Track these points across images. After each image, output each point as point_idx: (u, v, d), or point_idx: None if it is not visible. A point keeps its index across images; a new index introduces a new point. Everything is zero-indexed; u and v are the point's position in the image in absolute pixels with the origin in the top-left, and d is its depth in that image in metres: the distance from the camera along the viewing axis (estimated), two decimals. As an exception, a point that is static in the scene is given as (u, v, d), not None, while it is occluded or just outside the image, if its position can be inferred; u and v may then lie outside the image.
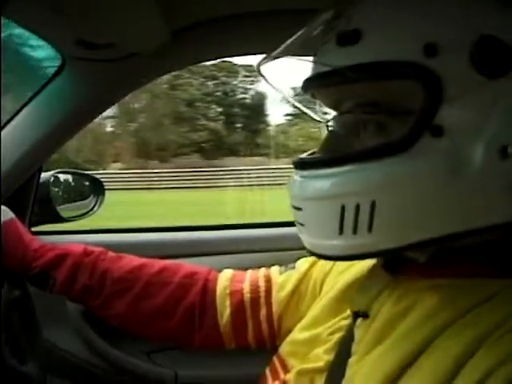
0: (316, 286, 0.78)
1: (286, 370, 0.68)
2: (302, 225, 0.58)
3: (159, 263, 0.90)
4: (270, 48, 0.61)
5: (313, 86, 0.61)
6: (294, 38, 0.58)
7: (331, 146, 0.60)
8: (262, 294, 0.83)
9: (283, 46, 0.58)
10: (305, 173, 0.57)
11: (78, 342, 1.14)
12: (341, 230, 0.53)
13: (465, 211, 0.51)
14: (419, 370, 0.50)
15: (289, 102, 0.75)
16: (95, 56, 0.93)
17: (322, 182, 0.54)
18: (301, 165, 0.58)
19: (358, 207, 0.51)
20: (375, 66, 0.52)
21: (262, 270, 0.88)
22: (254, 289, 0.84)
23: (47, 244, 0.88)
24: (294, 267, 0.84)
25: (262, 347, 0.84)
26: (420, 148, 0.50)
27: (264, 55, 0.60)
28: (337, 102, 0.62)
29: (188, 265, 0.91)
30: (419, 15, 0.52)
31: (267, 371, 0.73)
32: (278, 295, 0.81)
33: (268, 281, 0.84)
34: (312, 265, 0.81)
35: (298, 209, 0.57)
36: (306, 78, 0.60)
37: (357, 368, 0.57)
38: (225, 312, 0.83)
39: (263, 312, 0.82)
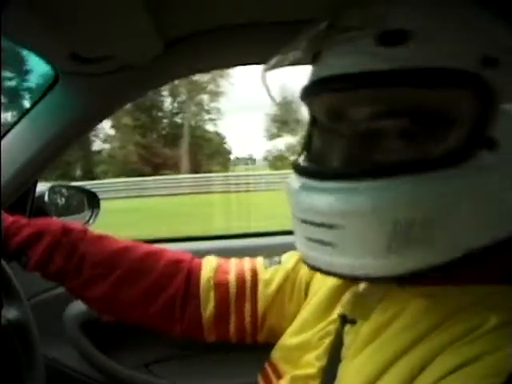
0: (301, 285, 0.77)
1: (278, 375, 0.69)
2: (329, 245, 0.52)
3: (142, 248, 0.85)
4: (265, 59, 0.61)
5: (335, 89, 0.55)
6: (294, 47, 0.58)
7: (351, 155, 0.54)
8: (248, 289, 0.81)
9: (282, 53, 0.59)
10: (329, 184, 0.51)
11: (75, 355, 1.14)
12: (389, 247, 0.49)
13: (503, 222, 0.51)
14: (391, 375, 0.51)
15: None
16: (88, 70, 0.93)
17: (366, 195, 0.49)
18: (321, 174, 0.53)
19: (411, 221, 0.48)
20: (426, 72, 0.49)
21: (248, 262, 0.85)
22: (240, 283, 0.82)
23: (22, 219, 0.83)
24: (279, 262, 0.83)
25: (241, 341, 0.83)
26: (476, 160, 0.49)
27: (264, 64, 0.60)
28: (346, 108, 0.56)
29: (171, 251, 0.87)
30: (476, 24, 0.51)
31: (259, 378, 0.73)
32: (264, 291, 0.80)
33: (254, 275, 0.82)
34: (298, 261, 0.80)
35: (328, 226, 0.51)
36: (315, 80, 0.56)
37: (344, 373, 0.58)
38: (208, 304, 0.81)
39: (247, 307, 0.80)
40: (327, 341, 0.64)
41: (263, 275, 0.82)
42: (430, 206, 0.48)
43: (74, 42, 0.82)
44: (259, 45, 0.94)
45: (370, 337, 0.57)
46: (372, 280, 0.55)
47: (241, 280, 0.82)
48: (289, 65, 0.65)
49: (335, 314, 0.64)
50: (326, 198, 0.51)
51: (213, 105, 20.99)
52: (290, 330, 0.73)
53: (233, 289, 0.81)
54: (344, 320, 0.62)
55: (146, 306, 0.82)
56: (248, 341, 0.82)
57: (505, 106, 0.49)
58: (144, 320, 0.84)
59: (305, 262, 0.57)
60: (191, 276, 0.83)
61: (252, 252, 1.30)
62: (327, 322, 0.66)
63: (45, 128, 1.00)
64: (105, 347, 1.13)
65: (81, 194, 1.31)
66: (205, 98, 21.04)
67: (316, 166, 0.60)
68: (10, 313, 0.79)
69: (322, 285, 0.72)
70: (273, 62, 0.61)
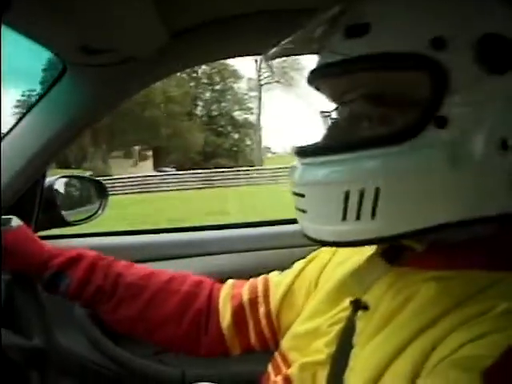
0: (311, 283, 0.79)
1: (288, 364, 0.69)
2: (303, 211, 0.59)
3: (167, 273, 0.92)
4: (269, 49, 0.62)
5: (319, 77, 0.62)
6: (299, 33, 0.59)
7: (334, 134, 0.61)
8: (260, 294, 0.85)
9: (288, 40, 0.60)
10: (307, 160, 0.58)
11: (85, 343, 1.15)
12: (344, 216, 0.54)
13: (464, 201, 0.52)
14: (403, 358, 0.52)
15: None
16: (96, 61, 0.93)
17: (327, 168, 0.55)
18: (303, 152, 0.59)
19: (362, 193, 0.52)
20: (383, 57, 0.54)
21: (262, 276, 0.90)
22: (252, 290, 0.86)
23: (59, 248, 0.90)
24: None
25: (265, 348, 0.85)
26: (424, 138, 0.51)
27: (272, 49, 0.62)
28: (341, 93, 0.63)
29: (194, 276, 0.93)
30: (426, 9, 0.54)
31: (269, 367, 0.74)
32: (275, 293, 0.83)
33: (266, 282, 0.87)
34: (307, 263, 0.83)
35: (300, 195, 0.58)
36: (311, 69, 0.61)
37: (357, 358, 0.58)
38: (226, 315, 0.85)
39: (262, 310, 0.83)
40: (337, 327, 0.64)
41: (274, 279, 0.86)
42: (380, 180, 0.52)
43: (82, 34, 0.82)
44: (265, 34, 0.94)
45: (382, 322, 0.58)
46: (330, 244, 0.60)
47: (253, 287, 0.87)
48: (294, 54, 0.68)
49: (347, 302, 0.65)
50: (300, 171, 0.59)
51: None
52: (299, 318, 0.74)
53: (246, 296, 0.85)
54: (357, 306, 0.63)
55: (174, 326, 0.87)
56: (272, 346, 0.84)
57: (456, 85, 0.51)
58: (172, 340, 0.88)
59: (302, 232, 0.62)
60: (212, 294, 0.88)
61: (260, 241, 1.32)
62: (338, 309, 0.66)
63: (53, 119, 1.01)
64: (114, 336, 1.14)
65: (90, 184, 1.32)
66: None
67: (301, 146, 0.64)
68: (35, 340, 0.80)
69: (332, 275, 0.73)
70: (277, 50, 0.62)
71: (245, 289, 0.87)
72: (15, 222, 0.89)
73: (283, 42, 0.61)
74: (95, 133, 18.00)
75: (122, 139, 19.75)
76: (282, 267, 0.89)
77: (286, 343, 0.74)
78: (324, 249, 0.81)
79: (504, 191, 0.53)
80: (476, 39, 0.51)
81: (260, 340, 0.84)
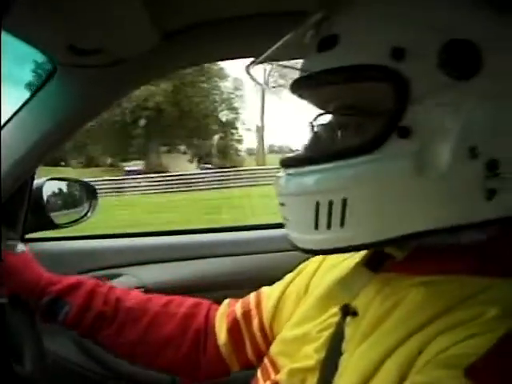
0: (301, 290, 0.79)
1: (277, 369, 0.69)
2: (286, 220, 0.61)
3: (165, 297, 0.93)
4: (261, 51, 0.62)
5: (297, 89, 0.63)
6: (280, 42, 0.60)
7: (314, 145, 0.63)
8: (253, 307, 0.85)
9: (271, 50, 0.61)
10: (289, 170, 0.60)
11: (74, 347, 1.14)
12: (316, 225, 0.55)
13: (434, 210, 0.52)
14: (390, 363, 0.53)
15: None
16: (85, 62, 0.93)
17: (301, 179, 0.57)
18: (285, 163, 0.61)
19: (331, 203, 0.54)
20: (347, 70, 0.54)
21: (254, 292, 0.90)
22: (245, 304, 0.87)
23: (58, 276, 0.90)
24: None
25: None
26: (387, 148, 0.52)
27: (252, 59, 0.63)
28: (322, 102, 0.65)
29: (191, 298, 0.93)
30: (387, 20, 0.55)
31: (258, 372, 0.74)
32: (267, 304, 0.83)
33: (258, 296, 0.87)
34: (297, 274, 0.83)
35: (282, 204, 0.61)
36: (292, 80, 0.63)
37: (346, 364, 0.58)
38: (222, 332, 0.85)
39: (255, 322, 0.84)
40: (327, 333, 0.64)
41: (266, 291, 0.87)
42: (347, 190, 0.53)
43: (71, 34, 0.82)
44: (257, 37, 0.94)
45: (370, 328, 0.58)
46: (306, 251, 0.61)
47: (246, 302, 0.88)
48: (285, 59, 0.69)
49: (336, 308, 0.65)
50: (282, 181, 0.61)
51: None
52: (288, 323, 0.74)
53: (239, 310, 0.86)
54: (346, 312, 0.63)
55: (175, 348, 0.87)
56: None
57: (419, 94, 0.51)
58: (174, 361, 0.88)
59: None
60: (209, 314, 0.89)
61: (255, 244, 1.32)
62: (328, 314, 0.66)
63: (43, 119, 1.01)
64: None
65: (79, 186, 1.30)
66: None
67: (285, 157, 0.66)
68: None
69: (322, 281, 0.73)
70: (264, 55, 0.63)
71: (238, 305, 0.88)
72: (20, 247, 0.91)
73: (273, 47, 0.61)
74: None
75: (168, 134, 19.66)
76: (278, 271, 0.89)
77: (275, 348, 0.73)
78: (314, 258, 0.81)
79: (478, 199, 0.52)
80: (440, 46, 0.51)
81: (257, 354, 0.83)
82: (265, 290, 0.88)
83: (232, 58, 1.06)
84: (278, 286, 0.84)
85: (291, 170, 0.60)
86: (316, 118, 0.65)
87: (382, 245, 0.56)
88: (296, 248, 0.61)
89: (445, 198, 0.52)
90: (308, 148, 0.63)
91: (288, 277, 0.85)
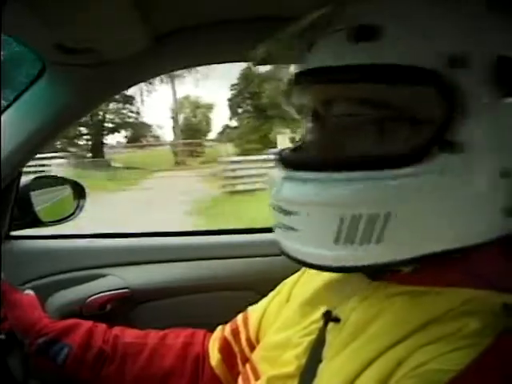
0: (282, 300, 0.79)
1: (257, 375, 0.68)
2: (291, 229, 0.54)
3: (161, 331, 0.93)
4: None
5: (312, 79, 0.56)
6: (286, 31, 0.57)
7: (327, 146, 0.56)
8: (240, 323, 0.85)
9: (273, 39, 0.58)
10: (302, 174, 0.53)
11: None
12: (348, 240, 0.50)
13: (466, 227, 0.51)
14: (369, 373, 0.52)
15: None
16: (74, 61, 0.92)
17: (329, 186, 0.50)
18: (294, 164, 0.55)
19: (370, 217, 0.49)
20: (396, 69, 0.49)
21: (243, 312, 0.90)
22: (234, 322, 0.87)
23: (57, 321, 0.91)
24: None
25: None
26: (435, 161, 0.48)
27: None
28: (332, 100, 0.57)
29: (185, 330, 0.93)
30: (449, 21, 0.51)
31: (239, 379, 0.73)
32: (252, 319, 0.84)
33: (245, 314, 0.87)
34: (282, 287, 0.83)
35: (290, 213, 0.53)
36: (303, 70, 0.56)
37: (325, 371, 0.57)
38: (214, 353, 0.85)
39: (243, 337, 0.83)
40: (308, 339, 0.63)
41: (252, 308, 0.87)
42: (390, 204, 0.49)
43: (60, 33, 0.81)
44: (249, 41, 0.93)
45: (351, 336, 0.57)
46: (322, 269, 0.55)
47: (234, 321, 0.88)
48: (278, 62, 0.67)
49: (319, 314, 0.64)
50: (292, 186, 0.53)
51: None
52: (271, 329, 0.73)
53: (228, 329, 0.86)
54: (328, 318, 0.61)
55: (177, 377, 0.86)
56: None
57: (469, 107, 0.48)
58: None
59: (280, 250, 0.58)
60: (205, 341, 0.89)
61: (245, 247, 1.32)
62: (310, 320, 0.65)
63: (31, 118, 1.00)
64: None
65: (66, 184, 1.30)
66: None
67: (292, 156, 0.60)
68: None
69: (306, 287, 0.72)
70: (259, 55, 0.62)
71: (227, 326, 0.88)
72: (28, 291, 0.93)
73: (268, 42, 0.59)
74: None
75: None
76: (274, 274, 0.87)
77: (257, 354, 0.73)
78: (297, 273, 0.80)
79: (500, 216, 0.51)
80: (493, 60, 0.49)
81: None
82: (251, 308, 0.88)
83: (223, 62, 1.05)
84: (262, 302, 0.85)
85: (310, 175, 0.52)
86: (326, 116, 0.58)
87: (413, 262, 0.52)
88: (304, 264, 0.55)
89: (475, 216, 0.50)
90: (322, 149, 0.57)
91: (271, 294, 0.85)
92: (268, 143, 15.84)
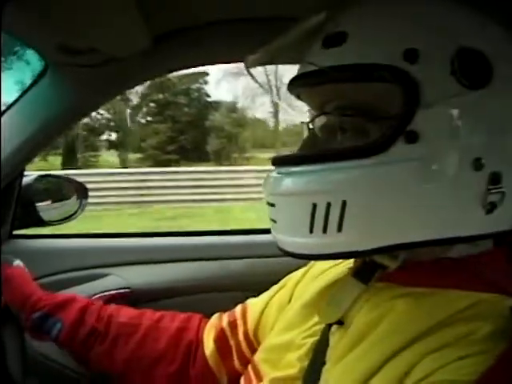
0: (284, 300, 0.78)
1: (259, 377, 0.68)
2: (274, 221, 0.58)
3: (157, 312, 0.93)
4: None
5: (297, 86, 0.61)
6: (280, 40, 0.59)
7: (309, 145, 0.61)
8: (239, 316, 0.85)
9: (268, 47, 0.60)
10: (281, 169, 0.58)
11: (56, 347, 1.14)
12: (311, 229, 0.53)
13: (435, 220, 0.51)
14: (379, 378, 0.51)
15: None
16: (76, 61, 0.92)
17: (295, 178, 0.55)
18: (277, 161, 0.59)
19: (328, 206, 0.51)
20: (356, 68, 0.53)
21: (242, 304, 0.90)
22: (232, 314, 0.87)
23: (51, 294, 0.91)
24: None
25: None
26: (394, 152, 0.50)
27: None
28: (320, 103, 0.62)
29: (182, 313, 0.93)
30: (399, 20, 0.53)
31: (241, 380, 0.73)
32: (252, 313, 0.83)
33: (244, 306, 0.87)
34: (283, 284, 0.83)
35: (271, 205, 0.58)
36: (291, 78, 0.61)
37: (329, 375, 0.57)
38: (209, 342, 0.85)
39: (240, 331, 0.83)
40: (311, 340, 0.63)
41: (252, 301, 0.87)
42: (347, 193, 0.51)
43: (62, 33, 0.81)
44: (248, 42, 0.94)
45: (355, 339, 0.56)
46: (296, 256, 0.57)
47: (232, 313, 0.88)
48: (274, 63, 0.68)
49: None
50: (272, 180, 0.58)
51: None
52: (273, 330, 0.73)
53: (225, 320, 0.86)
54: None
55: (167, 363, 0.86)
56: None
57: (429, 99, 0.50)
58: (166, 377, 0.87)
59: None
60: (200, 327, 0.90)
61: (245, 248, 1.32)
62: (313, 322, 0.65)
63: (33, 117, 1.00)
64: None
65: (69, 184, 1.30)
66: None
67: (278, 155, 0.63)
68: None
69: (307, 289, 0.72)
70: (258, 56, 0.62)
71: (225, 316, 0.88)
72: (17, 262, 0.93)
73: (263, 49, 0.60)
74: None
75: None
76: (273, 275, 0.88)
77: (258, 355, 0.73)
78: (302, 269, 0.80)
79: (477, 212, 0.52)
80: (453, 53, 0.50)
81: (243, 364, 0.82)
82: (250, 300, 0.88)
83: (222, 62, 1.06)
84: (263, 296, 0.84)
85: (284, 169, 0.57)
86: (313, 119, 0.63)
87: (380, 252, 0.53)
88: (284, 252, 0.58)
89: (445, 208, 0.51)
90: (304, 147, 0.61)
91: (274, 287, 0.84)
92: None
